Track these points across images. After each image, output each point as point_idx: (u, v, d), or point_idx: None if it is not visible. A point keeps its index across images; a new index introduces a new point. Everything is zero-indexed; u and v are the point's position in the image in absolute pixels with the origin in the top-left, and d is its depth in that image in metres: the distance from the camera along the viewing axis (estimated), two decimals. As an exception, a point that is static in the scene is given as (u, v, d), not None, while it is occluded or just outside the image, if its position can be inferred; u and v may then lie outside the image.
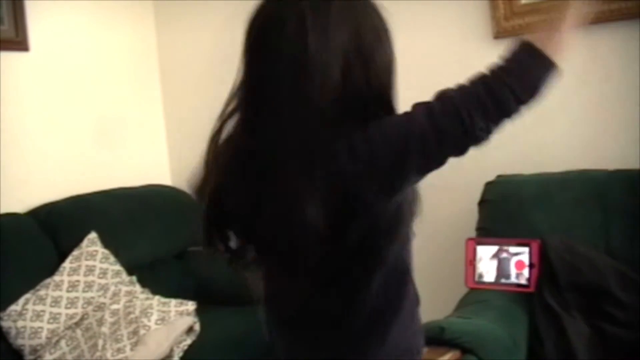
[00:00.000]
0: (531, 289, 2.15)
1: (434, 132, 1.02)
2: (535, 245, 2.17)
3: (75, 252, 2.56)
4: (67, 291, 2.45)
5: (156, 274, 2.81)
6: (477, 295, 2.20)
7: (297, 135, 1.00)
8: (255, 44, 1.07)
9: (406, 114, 1.07)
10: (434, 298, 2.54)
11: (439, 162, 1.07)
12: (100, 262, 2.58)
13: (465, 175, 2.59)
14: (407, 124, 1.05)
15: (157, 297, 2.58)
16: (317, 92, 1.00)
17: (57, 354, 2.34)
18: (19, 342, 2.33)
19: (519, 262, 2.19)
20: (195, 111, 3.34)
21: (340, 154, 1.01)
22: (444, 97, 1.06)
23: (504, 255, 2.22)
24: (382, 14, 1.13)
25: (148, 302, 2.53)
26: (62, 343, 2.37)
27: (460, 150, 1.08)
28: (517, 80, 1.07)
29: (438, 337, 1.82)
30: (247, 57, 1.08)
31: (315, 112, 1.00)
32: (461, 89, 1.07)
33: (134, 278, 2.67)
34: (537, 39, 1.11)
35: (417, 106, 1.07)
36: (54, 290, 2.43)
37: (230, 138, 1.12)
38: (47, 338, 2.34)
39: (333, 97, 1.01)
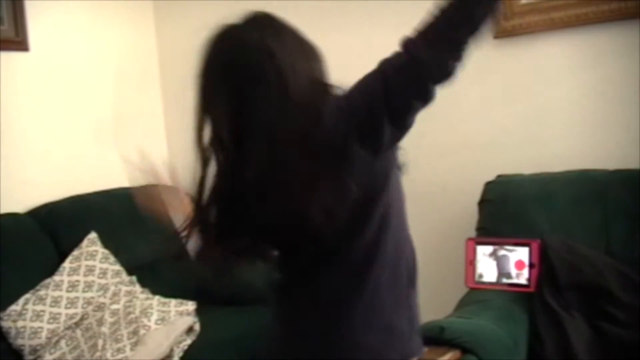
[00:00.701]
0: (531, 289, 2.15)
1: (395, 76, 1.13)
2: (535, 245, 2.17)
3: (75, 252, 2.56)
4: (67, 291, 2.45)
5: (156, 274, 2.81)
6: (477, 295, 2.20)
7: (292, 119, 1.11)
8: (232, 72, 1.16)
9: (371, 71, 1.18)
10: (434, 298, 2.54)
11: (405, 111, 1.16)
12: (100, 262, 2.58)
13: (465, 175, 2.60)
14: (371, 77, 1.16)
15: (157, 297, 2.58)
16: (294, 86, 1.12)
17: (57, 354, 2.34)
18: (19, 342, 2.33)
19: (519, 262, 2.19)
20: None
21: (327, 115, 1.13)
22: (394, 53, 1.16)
23: (504, 255, 2.22)
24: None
25: (148, 302, 2.53)
26: (62, 343, 2.37)
27: (422, 89, 1.15)
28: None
29: (438, 337, 1.82)
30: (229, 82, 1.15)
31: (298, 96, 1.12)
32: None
33: (134, 278, 2.67)
34: None
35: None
36: (54, 290, 2.43)
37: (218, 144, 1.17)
38: (47, 338, 2.34)
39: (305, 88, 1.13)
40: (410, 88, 1.13)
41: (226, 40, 1.18)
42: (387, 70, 1.14)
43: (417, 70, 1.11)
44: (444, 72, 1.13)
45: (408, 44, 1.12)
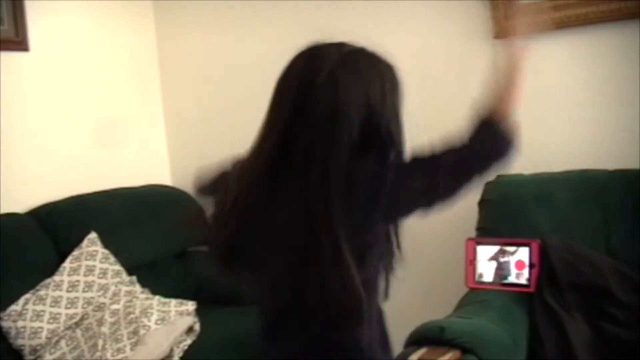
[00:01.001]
0: (531, 289, 2.15)
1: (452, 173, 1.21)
2: (535, 245, 2.17)
3: (75, 252, 2.56)
4: (67, 291, 2.45)
5: (156, 274, 2.81)
6: (477, 295, 2.20)
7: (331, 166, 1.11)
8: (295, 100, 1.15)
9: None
10: (434, 298, 2.54)
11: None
12: (100, 262, 2.58)
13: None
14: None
15: (157, 297, 2.58)
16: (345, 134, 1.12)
17: (57, 354, 2.34)
18: (19, 342, 2.32)
19: (519, 262, 2.19)
20: (195, 111, 3.35)
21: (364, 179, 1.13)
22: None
23: (504, 255, 2.22)
24: (393, 70, 1.24)
25: (148, 302, 2.53)
26: (62, 343, 2.37)
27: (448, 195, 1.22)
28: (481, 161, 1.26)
29: (438, 337, 1.81)
30: (287, 108, 1.15)
31: (342, 150, 1.12)
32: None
33: (134, 278, 2.67)
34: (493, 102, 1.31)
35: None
36: (54, 290, 2.43)
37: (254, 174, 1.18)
38: (47, 338, 2.34)
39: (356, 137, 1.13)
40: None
41: (305, 59, 1.18)
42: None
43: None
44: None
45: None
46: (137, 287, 2.64)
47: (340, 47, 1.18)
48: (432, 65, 2.64)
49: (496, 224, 2.32)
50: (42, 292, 2.41)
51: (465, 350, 1.79)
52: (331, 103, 1.11)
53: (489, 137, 1.26)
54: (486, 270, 2.24)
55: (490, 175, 1.26)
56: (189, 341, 2.43)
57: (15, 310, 2.35)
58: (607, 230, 2.14)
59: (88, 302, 2.47)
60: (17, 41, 2.73)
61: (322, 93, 1.11)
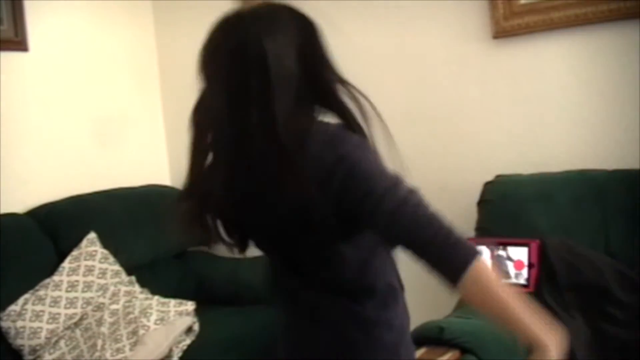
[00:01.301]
0: (530, 289, 2.14)
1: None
2: (534, 245, 2.17)
3: (75, 252, 2.56)
4: (67, 291, 2.45)
5: (156, 274, 2.81)
6: (476, 295, 2.19)
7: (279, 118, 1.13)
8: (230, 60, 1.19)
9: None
10: (434, 298, 2.54)
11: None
12: (100, 262, 2.58)
13: (465, 175, 2.60)
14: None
15: (156, 297, 2.58)
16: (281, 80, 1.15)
17: (56, 354, 2.33)
18: (19, 342, 2.32)
19: (518, 262, 2.19)
20: (195, 111, 3.34)
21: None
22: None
23: (503, 255, 2.22)
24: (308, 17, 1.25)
25: (147, 302, 2.53)
26: (62, 343, 2.37)
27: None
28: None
29: (438, 337, 1.82)
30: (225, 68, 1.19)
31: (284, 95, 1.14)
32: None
33: (133, 278, 2.67)
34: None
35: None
36: (53, 290, 2.43)
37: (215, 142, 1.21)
38: (47, 338, 2.34)
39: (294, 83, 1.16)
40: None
41: (226, 30, 1.23)
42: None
43: None
44: None
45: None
46: (137, 287, 2.63)
47: (251, 11, 1.21)
48: (432, 65, 2.64)
49: (496, 224, 2.32)
50: (41, 292, 2.41)
51: (465, 350, 1.79)
52: (263, 57, 1.14)
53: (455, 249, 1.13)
54: (486, 271, 2.23)
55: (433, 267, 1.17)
56: (188, 341, 2.43)
57: (15, 311, 2.35)
58: (606, 230, 2.14)
59: (87, 302, 2.47)
60: (16, 41, 2.74)
61: (254, 52, 1.15)
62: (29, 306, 2.37)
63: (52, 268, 2.51)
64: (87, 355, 2.32)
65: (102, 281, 2.54)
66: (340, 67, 1.24)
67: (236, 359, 2.36)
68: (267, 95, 1.13)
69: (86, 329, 2.41)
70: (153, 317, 2.42)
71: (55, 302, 2.41)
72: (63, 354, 2.34)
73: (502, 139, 2.55)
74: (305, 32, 1.21)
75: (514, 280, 2.19)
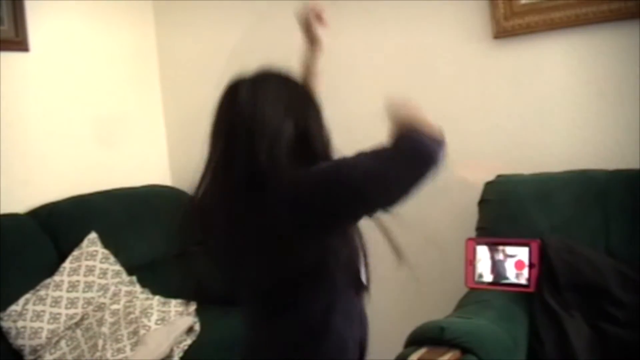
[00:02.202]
0: (531, 289, 2.15)
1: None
2: (534, 245, 2.17)
3: (76, 252, 2.56)
4: (67, 291, 2.45)
5: (156, 274, 2.81)
6: (477, 295, 2.20)
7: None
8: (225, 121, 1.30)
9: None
10: (434, 298, 2.54)
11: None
12: (100, 262, 2.58)
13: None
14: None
15: (157, 297, 2.58)
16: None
17: (57, 354, 2.34)
18: (19, 342, 2.33)
19: (519, 262, 2.19)
20: (195, 111, 3.34)
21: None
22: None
23: (504, 255, 2.22)
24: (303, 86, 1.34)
25: (148, 302, 2.53)
26: (62, 343, 2.37)
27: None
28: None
29: (438, 337, 1.81)
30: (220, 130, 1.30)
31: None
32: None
33: (134, 278, 2.67)
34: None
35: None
36: (54, 290, 2.44)
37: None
38: (47, 338, 2.35)
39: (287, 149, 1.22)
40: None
41: (226, 92, 1.31)
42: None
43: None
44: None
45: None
46: (137, 287, 2.64)
47: (252, 75, 1.28)
48: (432, 65, 2.64)
49: (496, 224, 2.32)
50: (42, 292, 2.42)
51: (465, 350, 1.79)
52: (250, 115, 1.22)
53: (411, 139, 1.23)
54: (486, 271, 2.24)
55: (421, 182, 1.18)
56: (189, 341, 2.43)
57: (16, 311, 2.35)
58: (606, 230, 2.14)
59: (88, 302, 2.48)
60: (17, 41, 2.74)
61: (243, 108, 1.24)
62: (29, 306, 2.37)
63: (53, 268, 2.51)
64: (87, 355, 2.32)
65: (103, 281, 2.55)
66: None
67: (236, 359, 2.35)
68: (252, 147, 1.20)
69: (87, 329, 2.41)
70: (154, 317, 2.42)
71: (56, 302, 2.41)
72: (64, 354, 2.34)
73: (503, 139, 2.55)
74: (298, 99, 1.27)
75: (514, 280, 2.19)
